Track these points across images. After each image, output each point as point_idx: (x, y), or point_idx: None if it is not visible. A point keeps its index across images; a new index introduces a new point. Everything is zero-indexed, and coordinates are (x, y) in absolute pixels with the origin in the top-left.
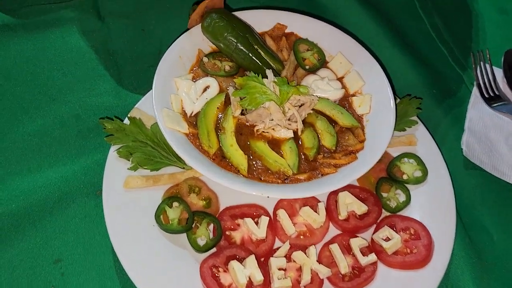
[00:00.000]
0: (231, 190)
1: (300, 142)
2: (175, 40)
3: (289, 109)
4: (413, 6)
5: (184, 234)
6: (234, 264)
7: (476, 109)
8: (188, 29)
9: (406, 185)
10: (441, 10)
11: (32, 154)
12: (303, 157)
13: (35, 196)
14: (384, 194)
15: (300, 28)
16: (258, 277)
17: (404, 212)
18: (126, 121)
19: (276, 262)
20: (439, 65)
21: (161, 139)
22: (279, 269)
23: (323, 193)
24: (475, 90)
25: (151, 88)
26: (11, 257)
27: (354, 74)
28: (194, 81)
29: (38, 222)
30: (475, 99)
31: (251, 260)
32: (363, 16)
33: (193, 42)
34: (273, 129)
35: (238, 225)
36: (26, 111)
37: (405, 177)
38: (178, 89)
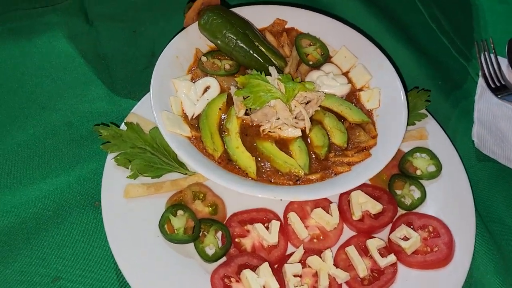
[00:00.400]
0: (237, 195)
1: (309, 141)
2: (171, 40)
3: (295, 106)
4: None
5: (191, 244)
6: (247, 273)
7: (484, 100)
8: (184, 28)
9: (420, 180)
10: (439, 2)
11: (23, 166)
12: (313, 156)
13: (28, 210)
14: (398, 192)
15: (301, 23)
16: (274, 285)
17: (420, 209)
18: (123, 126)
19: (291, 268)
20: (442, 57)
21: (161, 144)
22: (295, 276)
23: (338, 194)
24: (481, 81)
25: (147, 92)
26: (6, 277)
27: (360, 68)
28: (193, 82)
29: (33, 239)
30: (482, 90)
31: (265, 267)
32: (361, 10)
33: (189, 41)
34: (279, 128)
35: (248, 231)
36: (15, 120)
37: (418, 172)
38: (177, 90)
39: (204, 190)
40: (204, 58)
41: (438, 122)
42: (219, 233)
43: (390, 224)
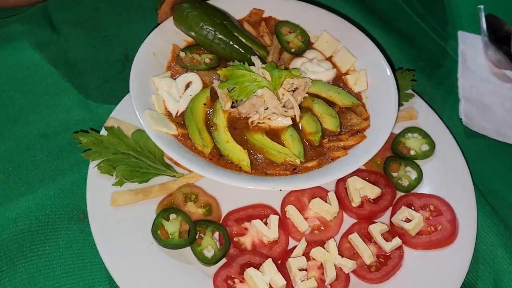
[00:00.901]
0: (231, 193)
1: (300, 129)
2: (145, 38)
3: (283, 94)
4: None
5: (188, 248)
6: (251, 272)
7: (466, 78)
8: (158, 24)
9: (415, 161)
10: None
11: None
12: (307, 144)
13: (8, 231)
14: (394, 174)
15: (278, 11)
16: (280, 282)
17: (418, 190)
18: (103, 132)
19: (295, 263)
20: (420, 39)
21: (146, 147)
22: (300, 270)
23: (332, 180)
24: (461, 59)
25: (124, 96)
26: None
27: (343, 52)
28: (174, 79)
29: (17, 260)
30: (463, 68)
31: (269, 264)
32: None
33: (165, 38)
34: (269, 118)
35: (246, 229)
36: None
37: (412, 152)
38: (158, 89)
39: (195, 191)
40: (182, 54)
41: (426, 101)
42: (216, 234)
43: (390, 208)
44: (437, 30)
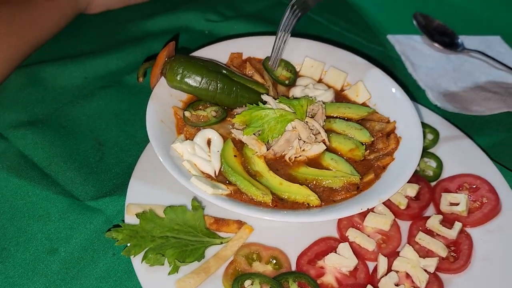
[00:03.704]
0: (287, 238)
1: (335, 150)
2: (147, 109)
3: (307, 122)
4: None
5: None
6: None
7: (417, 71)
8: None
9: (428, 150)
10: (328, 8)
11: None
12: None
13: None
14: (416, 169)
15: (255, 50)
16: None
17: (444, 175)
18: (128, 220)
19: (390, 280)
20: (363, 49)
21: (184, 222)
22: (397, 285)
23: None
24: (403, 57)
25: (116, 182)
26: None
27: (332, 71)
28: (191, 140)
29: None
30: (410, 64)
31: None
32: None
33: (163, 102)
34: (303, 150)
35: (322, 267)
36: None
37: None
38: (183, 154)
39: (254, 248)
40: (187, 113)
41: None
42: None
43: (431, 202)
44: (369, 39)
